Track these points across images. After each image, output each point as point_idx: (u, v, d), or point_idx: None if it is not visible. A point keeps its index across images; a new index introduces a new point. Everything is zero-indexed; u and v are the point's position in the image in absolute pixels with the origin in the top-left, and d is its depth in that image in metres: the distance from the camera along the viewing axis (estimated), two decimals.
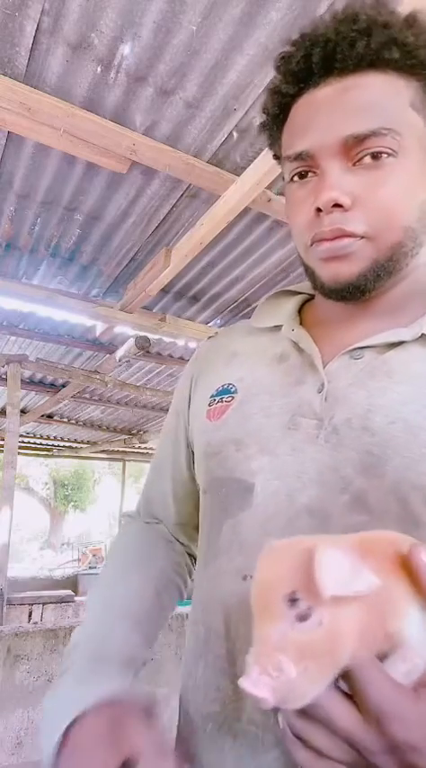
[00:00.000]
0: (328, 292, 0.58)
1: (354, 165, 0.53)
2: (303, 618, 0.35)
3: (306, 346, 0.59)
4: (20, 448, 7.46)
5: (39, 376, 5.62)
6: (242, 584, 0.52)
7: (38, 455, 10.27)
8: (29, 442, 9.04)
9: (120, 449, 9.35)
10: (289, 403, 0.57)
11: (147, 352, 4.40)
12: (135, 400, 6.50)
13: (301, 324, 0.65)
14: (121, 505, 10.12)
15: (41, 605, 6.19)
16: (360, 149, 0.52)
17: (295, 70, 0.56)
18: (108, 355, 4.66)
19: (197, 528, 0.69)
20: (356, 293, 0.56)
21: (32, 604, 6.16)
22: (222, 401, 0.63)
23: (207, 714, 0.55)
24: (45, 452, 9.87)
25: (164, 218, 2.79)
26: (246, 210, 2.54)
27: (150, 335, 3.92)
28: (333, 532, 0.46)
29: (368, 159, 0.52)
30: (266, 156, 2.11)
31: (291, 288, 0.72)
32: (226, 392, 0.63)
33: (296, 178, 0.57)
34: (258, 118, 2.11)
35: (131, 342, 4.02)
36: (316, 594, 0.34)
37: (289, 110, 0.59)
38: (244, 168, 2.26)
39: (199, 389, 0.71)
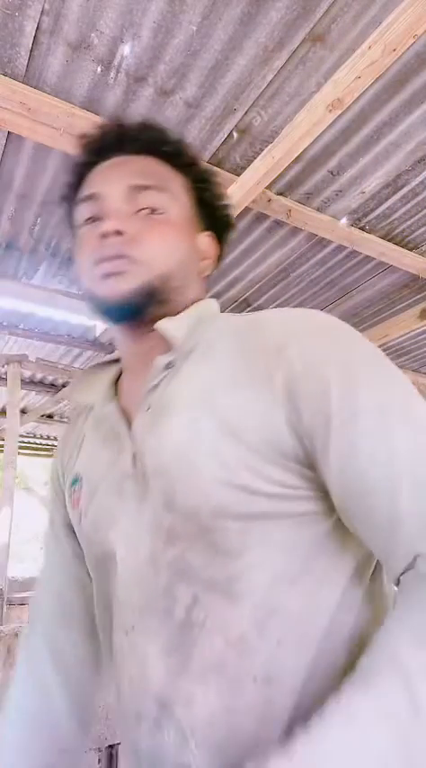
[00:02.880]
0: (107, 311, 0.65)
1: (135, 213, 0.65)
2: None
3: (115, 423, 0.68)
4: (20, 448, 7.45)
5: (39, 376, 5.62)
6: (124, 638, 0.60)
7: (38, 455, 10.25)
8: (29, 442, 9.03)
9: None
10: (117, 476, 0.65)
11: None
12: None
13: (117, 393, 0.73)
14: None
15: None
16: (140, 202, 0.65)
17: (92, 146, 0.71)
18: (108, 355, 4.66)
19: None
20: (131, 311, 0.64)
21: None
22: (75, 490, 0.72)
23: None
24: (45, 452, 9.86)
25: None
26: (246, 210, 2.54)
27: None
28: (162, 569, 0.56)
29: (145, 212, 0.65)
30: (266, 155, 2.11)
31: (107, 359, 0.81)
32: (76, 481, 0.72)
33: (86, 222, 0.67)
34: (258, 118, 2.11)
35: None
36: None
37: (85, 180, 0.71)
38: (244, 168, 2.26)
39: (66, 477, 0.78)
